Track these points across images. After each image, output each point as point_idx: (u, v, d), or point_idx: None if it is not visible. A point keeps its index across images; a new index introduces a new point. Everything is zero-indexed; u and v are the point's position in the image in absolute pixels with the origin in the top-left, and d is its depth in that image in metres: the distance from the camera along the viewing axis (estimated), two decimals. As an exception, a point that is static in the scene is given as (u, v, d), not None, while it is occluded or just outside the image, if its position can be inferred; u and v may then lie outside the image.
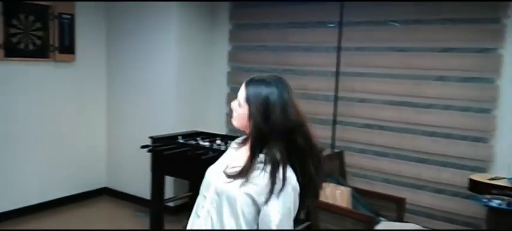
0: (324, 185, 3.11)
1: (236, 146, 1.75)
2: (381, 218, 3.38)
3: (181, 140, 4.05)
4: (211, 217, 1.60)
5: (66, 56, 4.73)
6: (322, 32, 4.40)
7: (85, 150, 5.10)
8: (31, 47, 4.41)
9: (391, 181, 4.06)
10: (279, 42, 4.66)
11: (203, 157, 3.61)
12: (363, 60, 4.18)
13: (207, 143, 3.92)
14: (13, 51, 4.25)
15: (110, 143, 5.32)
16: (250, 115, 1.59)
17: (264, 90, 1.58)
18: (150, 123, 4.75)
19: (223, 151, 1.85)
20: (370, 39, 4.13)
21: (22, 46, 4.33)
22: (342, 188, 3.39)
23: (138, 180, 4.87)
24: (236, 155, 1.70)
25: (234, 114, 1.67)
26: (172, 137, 4.16)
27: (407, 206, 3.66)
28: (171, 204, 4.58)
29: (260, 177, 1.53)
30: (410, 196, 3.84)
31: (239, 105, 1.64)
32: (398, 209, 3.51)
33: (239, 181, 1.55)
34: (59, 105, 4.75)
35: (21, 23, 4.29)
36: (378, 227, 3.20)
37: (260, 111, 1.56)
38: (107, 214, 4.87)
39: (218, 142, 3.99)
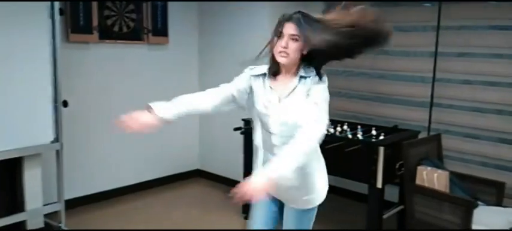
0: (421, 168, 3.17)
1: (269, 82, 2.06)
2: (480, 203, 3.11)
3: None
4: (284, 144, 1.89)
5: (159, 39, 4.74)
6: (419, 10, 4.03)
7: (178, 132, 5.10)
8: (125, 30, 4.45)
9: (490, 164, 3.80)
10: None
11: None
12: (463, 40, 3.81)
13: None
14: (107, 34, 4.31)
15: (202, 125, 5.28)
16: (309, 42, 1.88)
17: (305, 19, 1.90)
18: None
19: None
20: (471, 17, 3.75)
21: (116, 28, 4.38)
22: (440, 171, 3.16)
23: (230, 162, 4.79)
24: (279, 87, 2.03)
25: (288, 51, 1.92)
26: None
27: (507, 191, 3.32)
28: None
29: (314, 83, 1.96)
30: (511, 181, 3.54)
31: (293, 39, 1.92)
32: (497, 193, 3.25)
33: (302, 99, 1.95)
34: (152, 87, 4.77)
35: (115, 5, 4.33)
36: (476, 211, 2.91)
37: (316, 32, 1.85)
38: (199, 196, 4.84)
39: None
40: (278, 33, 1.94)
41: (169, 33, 4.82)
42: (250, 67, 2.12)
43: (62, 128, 3.54)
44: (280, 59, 1.95)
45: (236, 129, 3.94)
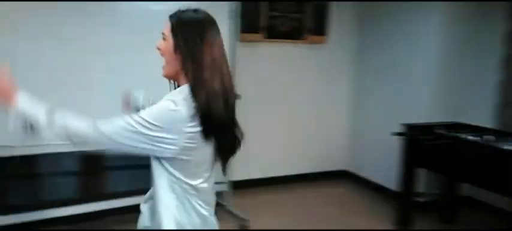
0: None
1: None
2: None
3: (441, 131, 3.64)
4: None
5: (318, 38, 4.80)
6: None
7: (328, 131, 5.14)
8: (288, 29, 4.59)
9: None
10: None
11: (470, 153, 3.17)
12: None
13: (475, 138, 3.42)
14: (273, 33, 4.49)
15: (354, 126, 5.24)
16: None
17: None
18: (399, 110, 4.46)
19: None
20: None
21: (281, 28, 4.54)
22: None
23: (381, 168, 4.68)
24: None
25: (161, 51, 1.51)
26: (428, 127, 3.79)
27: None
28: (419, 199, 4.22)
29: None
30: None
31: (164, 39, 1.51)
32: None
33: None
34: (308, 84, 4.89)
35: (282, 6, 4.49)
36: None
37: None
38: (346, 198, 4.81)
39: (487, 137, 3.45)
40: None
41: (328, 32, 4.85)
42: None
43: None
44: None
45: (397, 134, 3.80)
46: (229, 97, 1.47)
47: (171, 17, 1.50)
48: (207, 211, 1.54)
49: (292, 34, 4.64)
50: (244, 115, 4.29)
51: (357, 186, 5.07)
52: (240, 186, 4.38)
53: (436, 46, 4.23)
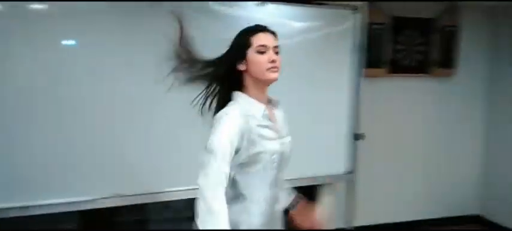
0: None
1: (264, 110, 1.66)
2: None
3: None
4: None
5: (445, 71, 4.47)
6: None
7: (458, 171, 4.72)
8: (413, 63, 4.35)
9: None
10: None
11: None
12: None
13: None
14: (396, 67, 4.28)
15: (487, 165, 4.74)
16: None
17: None
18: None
19: None
20: None
21: (405, 62, 4.32)
22: None
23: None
24: (275, 117, 1.72)
25: (278, 65, 1.63)
26: None
27: None
28: None
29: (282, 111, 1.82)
30: None
31: (278, 53, 1.66)
32: None
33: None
34: (432, 121, 4.56)
35: (406, 38, 4.28)
36: None
37: None
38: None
39: None
40: (261, 48, 1.62)
41: (457, 64, 4.50)
42: (225, 112, 1.59)
43: (357, 159, 3.64)
44: (273, 75, 1.62)
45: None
46: None
47: (273, 32, 1.68)
48: None
49: (417, 68, 4.38)
50: (367, 151, 4.16)
51: (491, 233, 4.57)
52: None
53: None
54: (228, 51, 1.68)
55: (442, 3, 4.33)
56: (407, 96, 4.43)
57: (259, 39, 1.62)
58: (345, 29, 3.54)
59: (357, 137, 3.69)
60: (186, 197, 2.96)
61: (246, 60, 1.62)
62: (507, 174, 4.46)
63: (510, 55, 4.41)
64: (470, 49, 4.56)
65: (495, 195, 4.65)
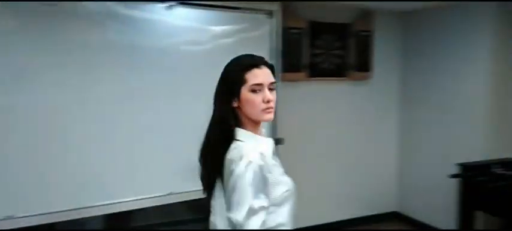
0: None
1: (273, 145, 1.60)
2: None
3: (501, 172, 3.36)
4: None
5: (361, 74, 4.64)
6: None
7: (377, 171, 4.91)
8: (331, 66, 4.47)
9: None
10: None
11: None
12: None
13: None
14: (315, 71, 4.37)
15: (403, 164, 4.98)
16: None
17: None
18: (450, 145, 4.22)
19: None
20: None
21: (323, 65, 4.42)
22: None
23: (435, 209, 4.38)
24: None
25: (273, 105, 1.49)
26: (485, 166, 3.52)
27: None
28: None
29: None
30: None
31: (275, 92, 1.51)
32: None
33: None
34: (353, 122, 4.71)
35: (324, 43, 4.39)
36: None
37: None
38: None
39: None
40: (256, 87, 1.46)
41: (372, 68, 4.69)
42: (250, 160, 1.41)
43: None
44: (267, 116, 1.49)
45: (454, 176, 3.54)
46: None
47: (270, 65, 1.54)
48: None
49: (335, 71, 4.51)
50: (287, 156, 4.16)
51: (409, 228, 4.77)
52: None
53: (484, 77, 3.98)
54: (219, 88, 1.53)
55: (357, 9, 4.48)
56: (325, 99, 4.55)
57: (255, 76, 1.45)
58: (262, 34, 3.58)
59: (276, 142, 3.71)
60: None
61: (239, 99, 1.48)
62: (420, 172, 4.70)
63: (421, 59, 4.66)
64: (384, 54, 4.78)
65: (410, 193, 4.88)
